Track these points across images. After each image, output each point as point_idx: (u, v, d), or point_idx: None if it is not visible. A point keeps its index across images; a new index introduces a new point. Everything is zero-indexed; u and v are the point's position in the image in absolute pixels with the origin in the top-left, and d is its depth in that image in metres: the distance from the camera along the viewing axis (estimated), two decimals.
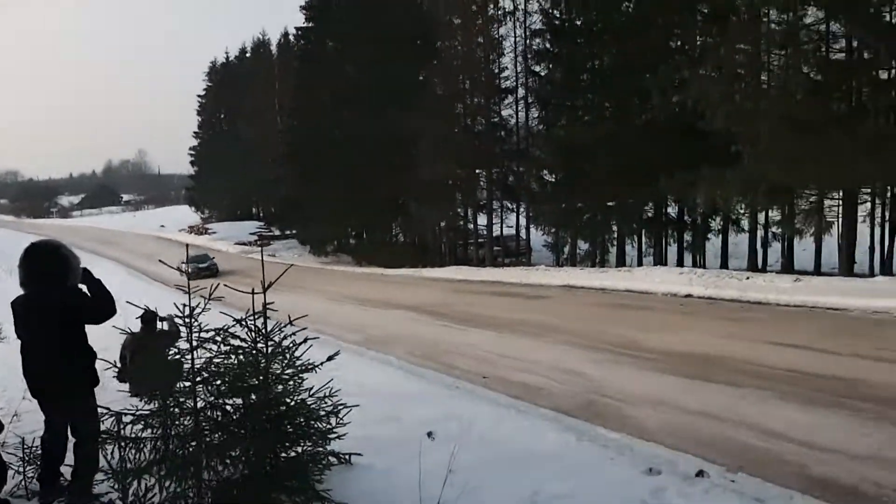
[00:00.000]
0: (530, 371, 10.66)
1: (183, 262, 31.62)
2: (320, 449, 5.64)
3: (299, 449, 5.54)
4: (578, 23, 25.77)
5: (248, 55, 72.39)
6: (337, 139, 36.74)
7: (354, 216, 38.06)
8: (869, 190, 19.12)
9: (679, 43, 23.83)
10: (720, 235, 24.02)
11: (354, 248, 41.83)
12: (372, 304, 21.52)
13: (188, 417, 5.20)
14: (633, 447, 6.77)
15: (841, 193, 18.74)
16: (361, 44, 35.07)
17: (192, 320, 5.09)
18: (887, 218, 19.41)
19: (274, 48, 68.74)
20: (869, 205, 19.80)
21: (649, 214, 24.95)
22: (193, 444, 5.11)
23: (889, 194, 18.78)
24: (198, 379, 5.16)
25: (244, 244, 52.74)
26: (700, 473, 5.81)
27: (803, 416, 7.38)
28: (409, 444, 6.19)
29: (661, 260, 24.73)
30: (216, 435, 5.26)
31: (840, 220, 18.82)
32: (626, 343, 11.86)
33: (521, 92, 31.12)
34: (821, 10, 18.13)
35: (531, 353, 12.01)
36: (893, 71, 17.72)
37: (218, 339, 5.36)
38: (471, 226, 33.59)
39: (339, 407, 5.78)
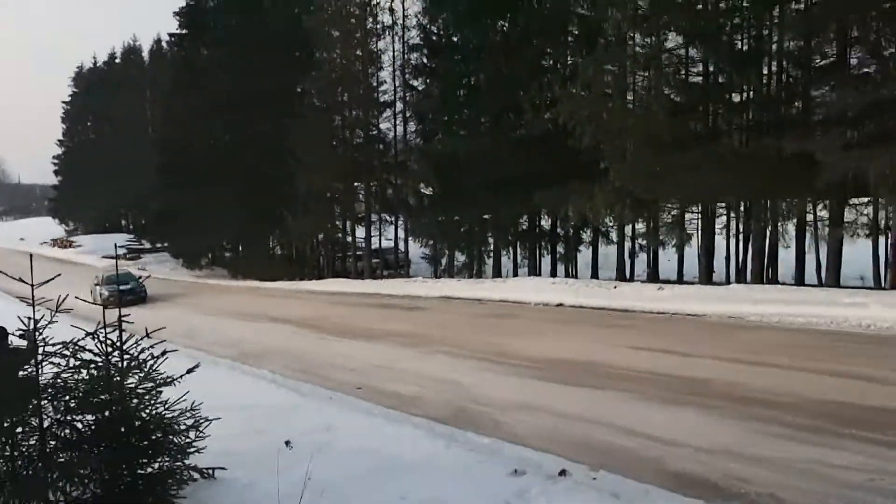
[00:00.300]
0: (405, 381, 10.70)
1: (96, 284, 27.09)
2: (179, 463, 5.44)
3: (157, 465, 5.33)
4: (455, 39, 26.16)
5: (117, 61, 69.50)
6: (212, 149, 35.70)
7: (229, 228, 37.01)
8: (724, 204, 20.39)
9: (551, 62, 24.63)
10: (591, 247, 24.96)
11: (230, 261, 40.72)
12: (247, 317, 21.01)
13: (34, 437, 4.91)
14: (501, 451, 6.91)
15: (699, 207, 19.90)
16: (237, 52, 34.28)
17: (37, 333, 4.82)
18: (741, 230, 20.71)
19: (146, 54, 66.40)
20: (725, 218, 21.10)
21: (524, 227, 25.58)
22: (40, 464, 4.82)
23: (742, 208, 20.04)
24: (44, 395, 4.88)
25: (112, 258, 50.18)
26: (563, 473, 6.00)
27: (661, 415, 7.76)
28: (277, 457, 6.08)
29: (535, 271, 25.40)
30: (65, 454, 5.00)
31: (699, 232, 19.99)
32: (500, 351, 12.09)
33: (399, 106, 31.28)
34: (680, 36, 19.24)
35: (407, 363, 12.07)
36: (744, 94, 18.98)
37: (66, 352, 5.11)
38: (349, 238, 33.36)
39: (201, 421, 5.61)
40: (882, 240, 17.23)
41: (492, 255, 26.38)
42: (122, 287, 26.19)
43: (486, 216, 24.86)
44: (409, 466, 6.35)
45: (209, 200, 35.22)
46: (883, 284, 16.58)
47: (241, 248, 40.70)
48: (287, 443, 6.95)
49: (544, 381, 9.84)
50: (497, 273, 25.76)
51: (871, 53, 16.00)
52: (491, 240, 25.98)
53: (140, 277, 28.88)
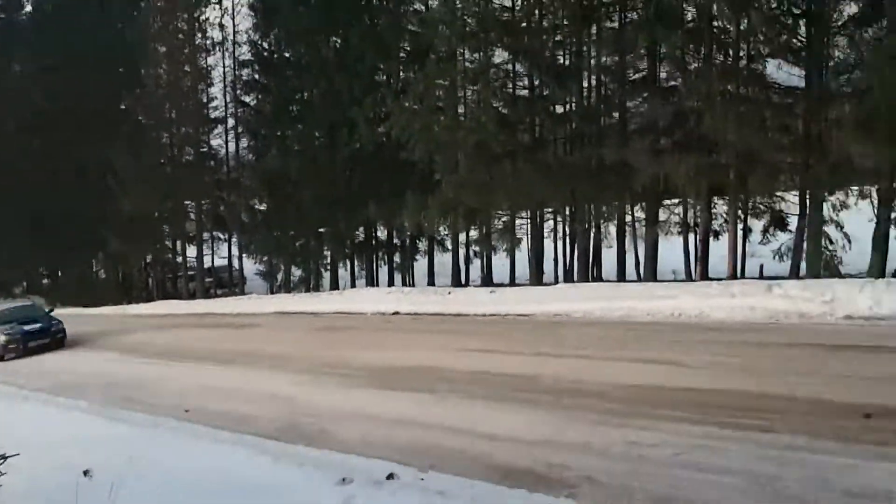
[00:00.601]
0: (236, 399, 10.31)
1: None
2: None
3: None
4: (287, 55, 25.72)
5: None
6: (24, 171, 32.94)
7: (46, 253, 34.42)
8: (551, 209, 21.30)
9: (384, 77, 24.74)
10: (427, 255, 25.23)
11: (48, 288, 37.84)
12: (66, 347, 19.55)
13: None
14: (330, 461, 6.79)
15: (528, 213, 20.67)
16: (53, 68, 31.94)
17: None
18: (567, 233, 21.66)
19: None
20: (552, 222, 22.05)
21: (360, 238, 25.53)
22: None
23: (567, 212, 20.99)
24: None
25: None
26: (391, 476, 5.98)
27: (490, 413, 7.91)
28: (88, 491, 5.68)
29: (372, 281, 25.36)
30: None
31: (529, 236, 20.76)
32: (333, 363, 11.93)
33: (231, 122, 30.31)
34: (506, 52, 19.98)
35: (237, 381, 11.67)
36: (566, 106, 19.95)
37: None
38: (180, 259, 31.90)
39: None
40: (692, 236, 18.66)
41: (329, 268, 26.12)
42: (27, 328, 19.56)
43: (321, 229, 24.59)
44: (234, 487, 6.11)
45: (20, 225, 32.64)
46: (693, 277, 17.92)
47: (60, 274, 37.93)
48: (86, 472, 6.49)
49: (377, 388, 9.80)
50: (335, 286, 25.53)
51: (677, 68, 17.40)
52: (327, 253, 25.72)
53: (51, 310, 22.65)
